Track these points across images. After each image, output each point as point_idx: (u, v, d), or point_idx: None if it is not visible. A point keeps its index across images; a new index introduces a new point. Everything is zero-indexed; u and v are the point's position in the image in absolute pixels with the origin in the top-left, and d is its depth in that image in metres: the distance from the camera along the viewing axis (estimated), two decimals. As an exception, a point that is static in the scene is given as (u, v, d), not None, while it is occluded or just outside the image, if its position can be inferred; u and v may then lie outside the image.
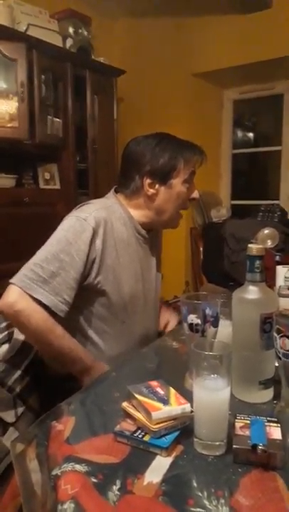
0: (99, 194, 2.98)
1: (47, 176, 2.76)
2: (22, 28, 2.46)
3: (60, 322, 1.06)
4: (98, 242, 1.07)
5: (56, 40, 2.66)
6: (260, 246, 0.79)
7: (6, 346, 1.12)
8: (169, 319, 1.36)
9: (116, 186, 1.22)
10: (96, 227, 1.07)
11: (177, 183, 1.13)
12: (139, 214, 1.17)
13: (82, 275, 1.05)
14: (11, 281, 1.01)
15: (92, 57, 2.93)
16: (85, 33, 2.86)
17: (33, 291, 1.00)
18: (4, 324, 1.15)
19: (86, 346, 1.13)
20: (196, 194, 1.18)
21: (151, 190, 1.13)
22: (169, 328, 1.33)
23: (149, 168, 1.12)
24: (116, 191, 1.21)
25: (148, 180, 1.12)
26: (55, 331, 1.03)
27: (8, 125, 2.32)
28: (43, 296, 1.00)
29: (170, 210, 1.16)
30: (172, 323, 1.35)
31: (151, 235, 1.24)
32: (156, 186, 1.13)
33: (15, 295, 1.00)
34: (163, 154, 1.11)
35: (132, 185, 1.15)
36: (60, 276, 1.02)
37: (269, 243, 1.04)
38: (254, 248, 0.78)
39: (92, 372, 1.05)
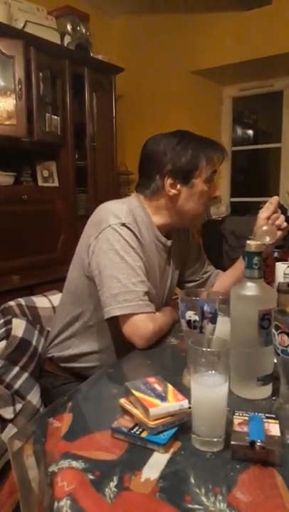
0: (98, 192, 3.00)
1: (45, 173, 2.76)
2: (19, 25, 2.45)
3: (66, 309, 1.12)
4: (140, 239, 1.07)
5: (54, 38, 2.65)
6: (259, 242, 0.78)
7: (3, 343, 1.12)
8: None
9: (136, 187, 1.19)
10: (133, 227, 1.06)
11: (199, 183, 1.11)
12: (159, 216, 1.15)
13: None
14: (122, 313, 1.00)
15: (91, 54, 2.92)
16: (83, 30, 2.86)
17: (143, 308, 1.01)
18: (2, 321, 1.15)
19: (87, 336, 1.13)
20: (217, 192, 1.17)
21: (173, 191, 1.10)
22: None
23: (170, 167, 1.09)
24: (136, 191, 1.18)
25: (169, 181, 1.09)
26: (163, 316, 1.09)
27: (6, 123, 2.32)
28: (147, 308, 1.01)
29: (192, 210, 1.14)
30: None
31: (177, 239, 1.22)
32: (178, 186, 1.10)
33: (139, 323, 1.00)
34: (185, 153, 1.08)
35: (152, 185, 1.12)
36: (141, 282, 1.02)
37: (267, 239, 1.04)
38: (252, 244, 0.77)
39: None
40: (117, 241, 1.02)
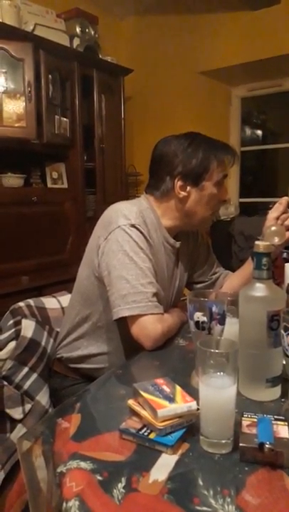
0: (106, 193, 3.01)
1: (55, 175, 2.78)
2: (29, 27, 2.47)
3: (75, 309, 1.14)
4: (149, 240, 1.07)
5: (63, 40, 2.67)
6: (267, 243, 0.78)
7: (13, 343, 1.13)
8: None
9: (146, 188, 1.19)
10: (142, 229, 1.06)
11: (209, 185, 1.10)
12: (167, 218, 1.15)
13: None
14: (130, 314, 1.00)
15: (100, 56, 2.93)
16: (92, 32, 2.87)
17: (152, 309, 1.00)
18: (12, 322, 1.16)
19: (98, 337, 1.13)
20: (226, 196, 1.16)
21: (183, 193, 1.10)
22: None
23: (180, 169, 1.09)
24: (146, 192, 1.18)
25: (179, 183, 1.09)
26: (171, 317, 1.08)
27: (16, 125, 2.34)
28: (155, 309, 1.01)
29: (200, 213, 1.14)
30: None
31: (181, 245, 1.21)
32: (188, 189, 1.10)
33: (148, 324, 1.00)
34: (196, 155, 1.08)
35: (162, 187, 1.12)
36: (150, 284, 1.02)
37: (276, 240, 1.03)
38: (261, 245, 0.77)
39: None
40: (126, 242, 1.02)
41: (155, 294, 1.03)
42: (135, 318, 1.00)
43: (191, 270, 1.33)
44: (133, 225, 1.04)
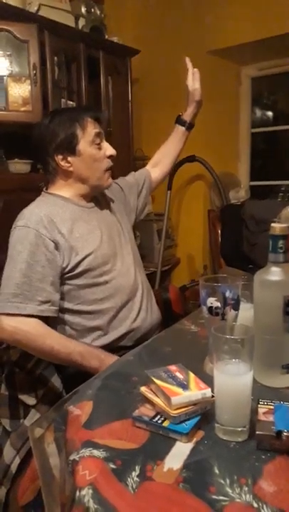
0: (114, 178, 2.96)
1: (62, 160, 2.74)
2: (33, 8, 2.41)
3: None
4: (46, 233, 1.08)
5: (68, 21, 2.60)
6: (284, 225, 0.75)
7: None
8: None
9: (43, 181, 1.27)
10: (36, 225, 1.08)
11: (84, 148, 1.15)
12: (72, 192, 1.20)
13: (52, 268, 1.07)
14: None
15: (106, 37, 2.86)
16: (98, 12, 2.79)
17: (5, 308, 1.03)
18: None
19: (81, 319, 1.14)
20: (110, 151, 1.20)
21: (66, 165, 1.16)
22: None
23: (53, 146, 1.14)
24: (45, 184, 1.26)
25: (59, 157, 1.15)
26: (50, 335, 1.06)
27: (22, 109, 2.30)
28: (16, 309, 1.02)
29: (92, 174, 1.18)
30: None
31: (97, 199, 1.26)
32: (69, 159, 1.15)
33: None
34: (59, 127, 1.14)
35: (49, 168, 1.19)
36: (27, 283, 1.04)
37: (292, 222, 1.00)
38: (277, 227, 0.74)
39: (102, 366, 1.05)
40: (12, 246, 1.09)
41: (17, 295, 1.03)
42: None
43: (135, 212, 1.42)
44: (22, 226, 1.09)
